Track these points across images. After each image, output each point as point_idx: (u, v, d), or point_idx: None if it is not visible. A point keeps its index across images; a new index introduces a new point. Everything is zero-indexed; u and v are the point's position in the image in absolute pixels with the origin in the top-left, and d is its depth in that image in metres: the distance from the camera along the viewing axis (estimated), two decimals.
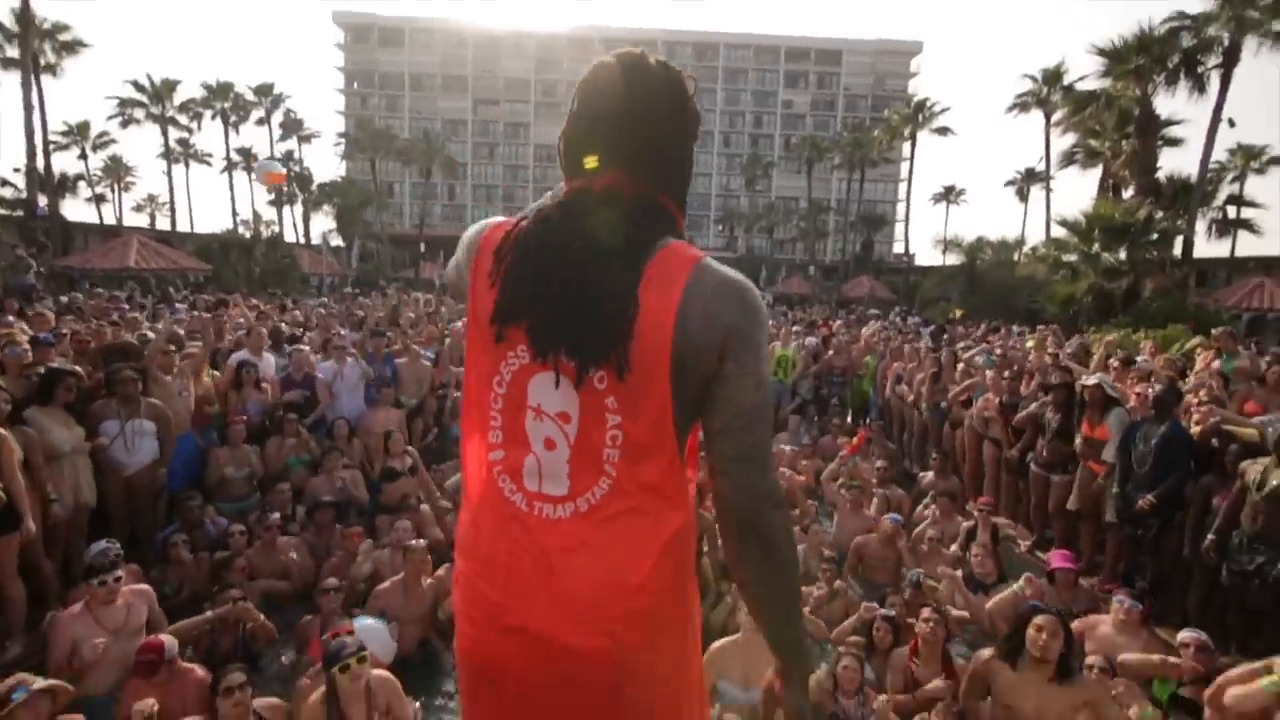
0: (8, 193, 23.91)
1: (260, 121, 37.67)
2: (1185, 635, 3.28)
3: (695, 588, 0.97)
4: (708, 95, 58.07)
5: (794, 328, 10.96)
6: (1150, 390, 4.59)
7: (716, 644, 3.09)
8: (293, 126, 38.71)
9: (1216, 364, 5.72)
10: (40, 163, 20.31)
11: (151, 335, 5.58)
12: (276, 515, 4.62)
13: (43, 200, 20.96)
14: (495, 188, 58.50)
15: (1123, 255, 13.97)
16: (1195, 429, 4.29)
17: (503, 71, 57.15)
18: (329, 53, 60.12)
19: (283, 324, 7.81)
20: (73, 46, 22.16)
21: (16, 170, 21.66)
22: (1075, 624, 3.73)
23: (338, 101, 57.31)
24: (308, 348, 6.54)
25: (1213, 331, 6.31)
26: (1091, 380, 5.02)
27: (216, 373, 5.87)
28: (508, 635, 0.86)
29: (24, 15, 18.03)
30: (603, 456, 0.85)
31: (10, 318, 6.89)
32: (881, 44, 57.83)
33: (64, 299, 11.93)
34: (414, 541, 3.98)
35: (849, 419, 8.70)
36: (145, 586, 3.66)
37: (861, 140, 36.44)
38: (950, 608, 3.96)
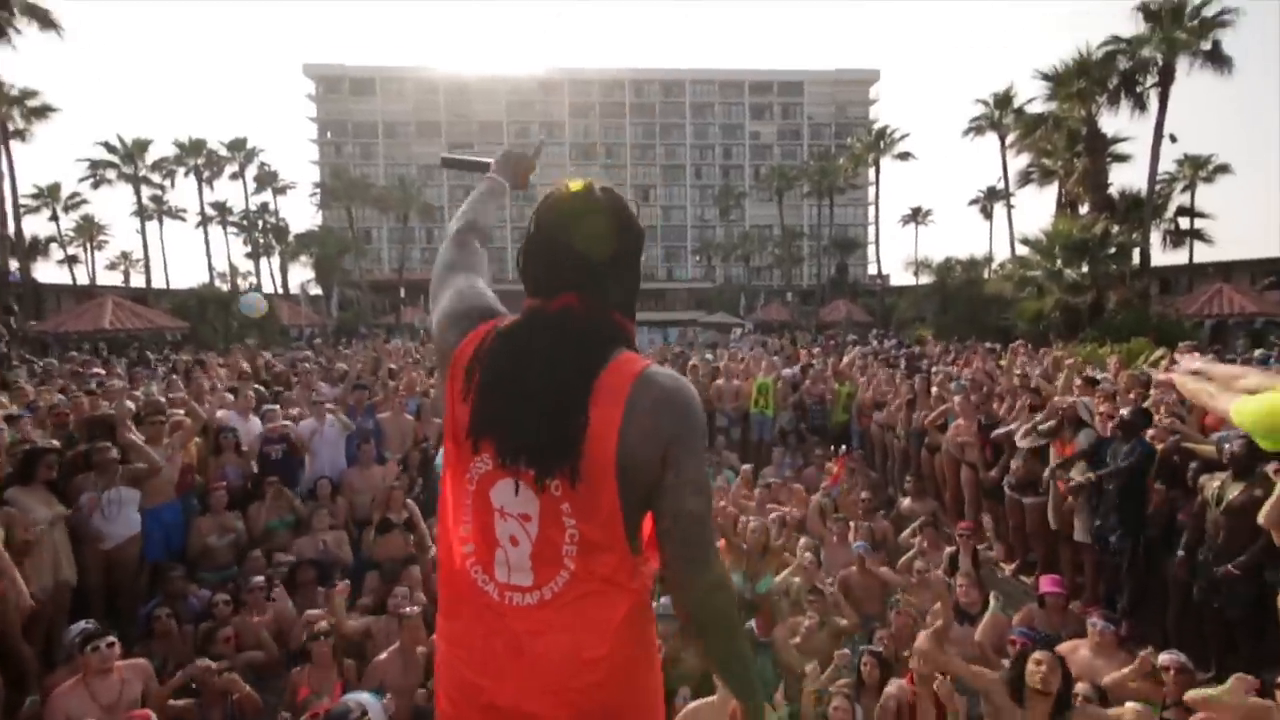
0: None
1: (234, 175, 37.79)
2: (1164, 658, 3.33)
3: (653, 655, 1.09)
4: (677, 130, 59.65)
5: (773, 358, 11.14)
6: (1117, 411, 4.76)
7: (692, 705, 3.12)
8: (267, 179, 38.88)
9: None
10: (11, 228, 20.16)
11: (132, 406, 5.55)
12: (260, 578, 4.58)
13: (14, 264, 20.75)
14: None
15: (1084, 270, 14.50)
16: (1158, 446, 4.47)
17: (475, 116, 58.17)
18: (301, 104, 60.69)
19: (259, 386, 7.76)
20: (42, 111, 22.22)
21: None
22: (1059, 647, 3.82)
23: (311, 152, 57.77)
24: (279, 409, 6.52)
25: (1178, 346, 6.55)
26: (1068, 400, 5.20)
27: (198, 440, 5.84)
28: (483, 713, 0.97)
29: None
30: (561, 552, 0.96)
31: None
32: (840, 74, 59.97)
33: (39, 366, 11.76)
34: (409, 609, 3.98)
35: (832, 448, 8.81)
36: (142, 661, 3.61)
37: (828, 168, 37.54)
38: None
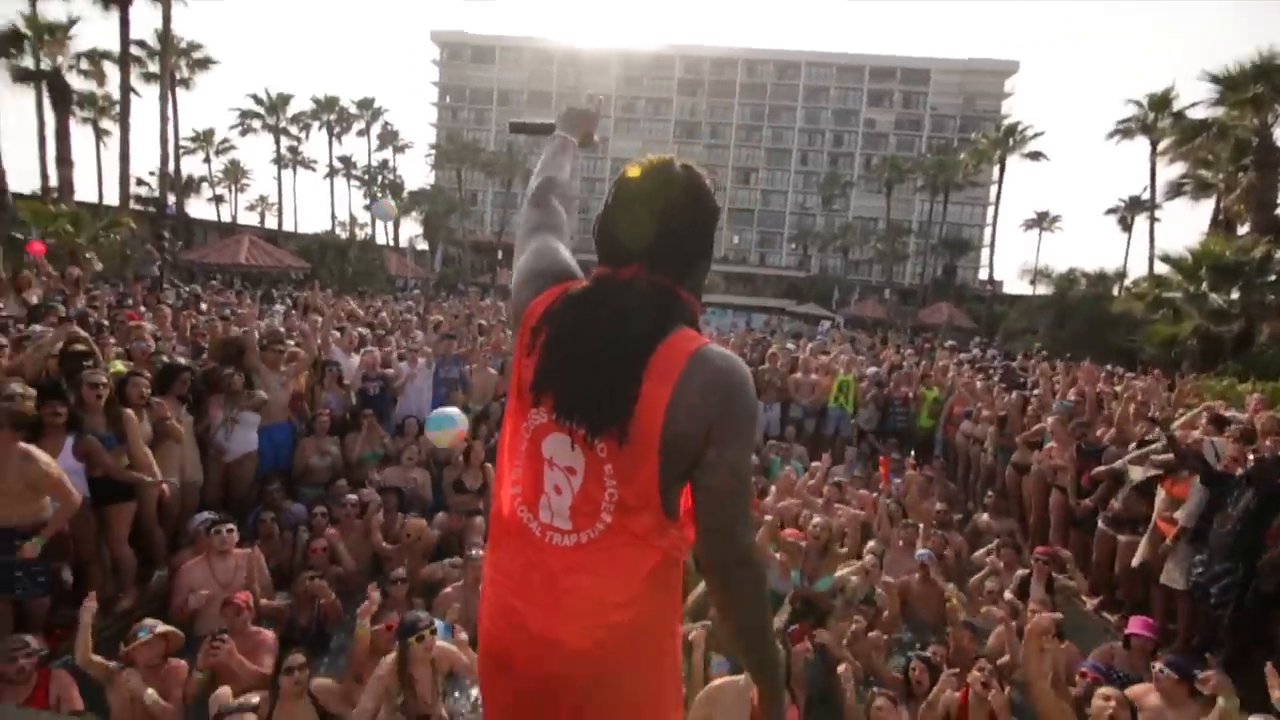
0: (143, 191, 26.76)
1: (361, 132, 40.49)
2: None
3: (675, 611, 1.13)
4: (787, 113, 57.66)
5: (859, 356, 10.75)
6: (1248, 453, 4.28)
7: (717, 683, 3.14)
8: (389, 138, 41.34)
9: None
10: (171, 167, 22.67)
11: (256, 334, 6.19)
12: (353, 497, 5.03)
13: (171, 199, 23.36)
14: (573, 199, 59.94)
15: (1234, 296, 12.87)
16: None
17: (586, 88, 58.78)
18: (425, 69, 64.07)
19: (364, 330, 8.40)
20: (205, 63, 24.72)
21: (151, 174, 24.30)
22: (1130, 690, 3.54)
23: (430, 114, 60.72)
24: (376, 351, 7.02)
25: None
26: (1194, 436, 4.73)
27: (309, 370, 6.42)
28: (516, 631, 1.06)
29: (166, 35, 20.26)
30: (600, 508, 1.02)
31: (143, 308, 7.80)
32: (973, 63, 55.64)
33: (185, 290, 13.29)
34: (474, 552, 4.28)
35: (912, 454, 8.45)
36: (254, 551, 4.15)
37: (946, 163, 35.17)
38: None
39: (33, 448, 3.40)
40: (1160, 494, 4.72)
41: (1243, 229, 14.97)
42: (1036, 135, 31.20)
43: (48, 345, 4.42)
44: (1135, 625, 4.09)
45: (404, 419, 6.30)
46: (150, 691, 2.80)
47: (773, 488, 6.26)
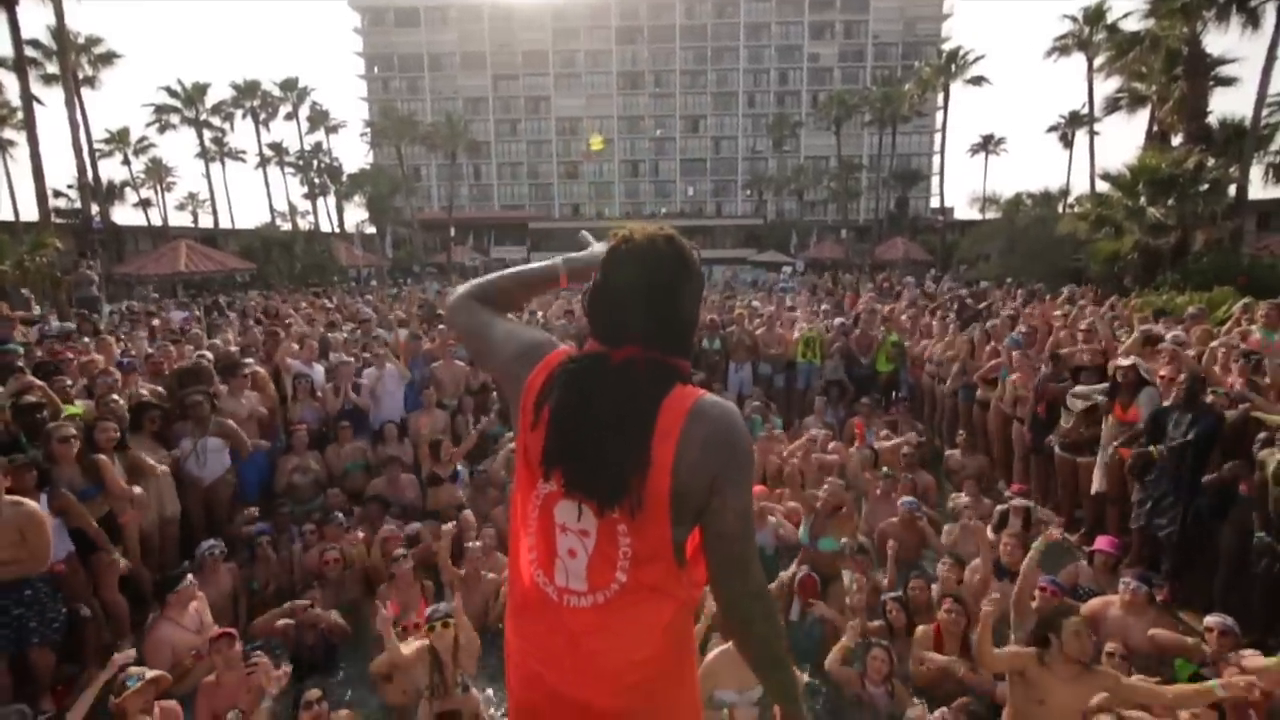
0: (62, 203, 25.13)
1: (288, 116, 38.36)
2: (1210, 620, 3.37)
3: (692, 653, 1.23)
4: (730, 54, 56.44)
5: (822, 306, 10.93)
6: (1180, 373, 4.57)
7: (709, 656, 3.31)
8: (319, 119, 39.28)
9: (1256, 337, 5.59)
10: (89, 174, 21.25)
11: (210, 356, 6.02)
12: (340, 515, 5.05)
13: (95, 209, 22.00)
14: (520, 164, 58.48)
15: (1171, 205, 13.34)
16: (1227, 414, 4.30)
17: (520, 45, 56.52)
18: (347, 39, 60.33)
19: (329, 333, 8.22)
20: (108, 58, 22.95)
21: (70, 186, 22.80)
22: (1088, 605, 3.88)
23: (360, 88, 57.74)
24: (353, 361, 6.91)
25: (1260, 306, 6.09)
26: (1126, 362, 5.01)
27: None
28: (546, 698, 1.13)
29: (61, 32, 18.66)
30: (615, 566, 1.08)
31: (86, 339, 7.47)
32: None
33: (124, 307, 12.72)
34: (473, 543, 4.38)
35: (879, 398, 8.73)
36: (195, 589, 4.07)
37: (892, 95, 35.06)
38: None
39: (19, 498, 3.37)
40: (1109, 420, 5.03)
41: (1176, 140, 15.45)
42: (978, 59, 31.29)
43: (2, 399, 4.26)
44: (1100, 543, 4.45)
45: (382, 425, 6.27)
46: None
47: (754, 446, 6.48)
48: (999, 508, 5.09)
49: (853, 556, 4.35)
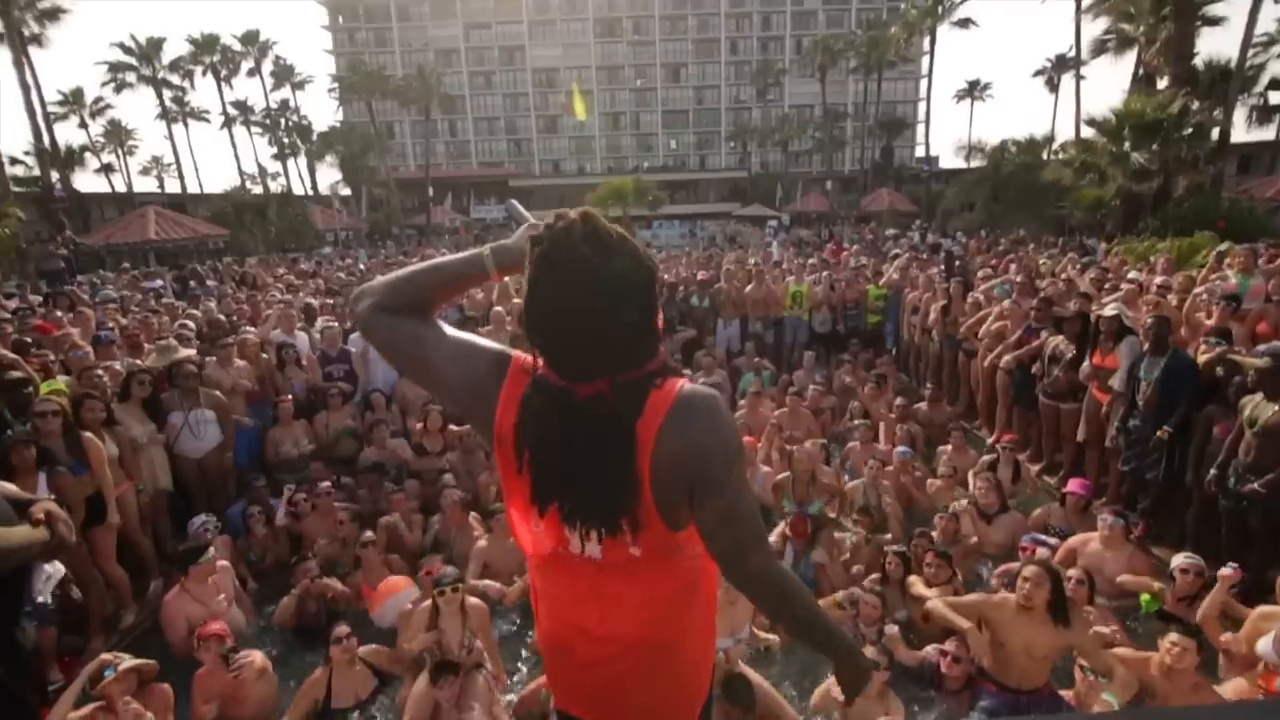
0: (19, 171, 24.06)
1: (251, 72, 36.70)
2: (1182, 561, 3.53)
3: (709, 603, 1.27)
4: None
5: (810, 260, 10.90)
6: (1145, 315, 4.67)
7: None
8: (284, 74, 37.66)
9: (1233, 281, 5.69)
10: (45, 140, 20.30)
11: (192, 326, 5.90)
12: (326, 484, 5.06)
13: (55, 176, 21.10)
14: (496, 119, 56.69)
15: (1154, 150, 13.31)
16: (1201, 358, 4.41)
17: None
18: None
19: (311, 299, 8.07)
20: (54, 14, 21.54)
21: (27, 153, 21.78)
22: (1067, 542, 4.06)
23: (325, 40, 55.11)
24: (337, 324, 6.82)
25: (1234, 249, 6.18)
26: (1108, 312, 5.09)
27: (265, 355, 6.22)
28: (576, 632, 1.20)
29: None
30: (626, 555, 1.09)
31: (59, 313, 7.28)
32: None
33: (96, 280, 12.35)
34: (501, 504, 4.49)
35: (874, 353, 8.84)
36: (224, 563, 4.11)
37: (878, 39, 34.24)
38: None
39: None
40: (1085, 366, 5.14)
41: (1162, 83, 15.29)
42: (964, 0, 30.58)
43: None
44: (1072, 485, 4.61)
45: (370, 393, 6.23)
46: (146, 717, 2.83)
47: (742, 402, 6.59)
48: (985, 458, 5.24)
49: (861, 516, 4.47)
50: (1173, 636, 2.86)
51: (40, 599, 3.35)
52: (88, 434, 3.99)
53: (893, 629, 3.46)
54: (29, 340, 5.58)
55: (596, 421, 1.02)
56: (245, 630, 3.96)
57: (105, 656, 3.06)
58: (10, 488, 1.70)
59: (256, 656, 3.35)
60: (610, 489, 1.03)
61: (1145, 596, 3.66)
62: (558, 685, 1.33)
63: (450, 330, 1.18)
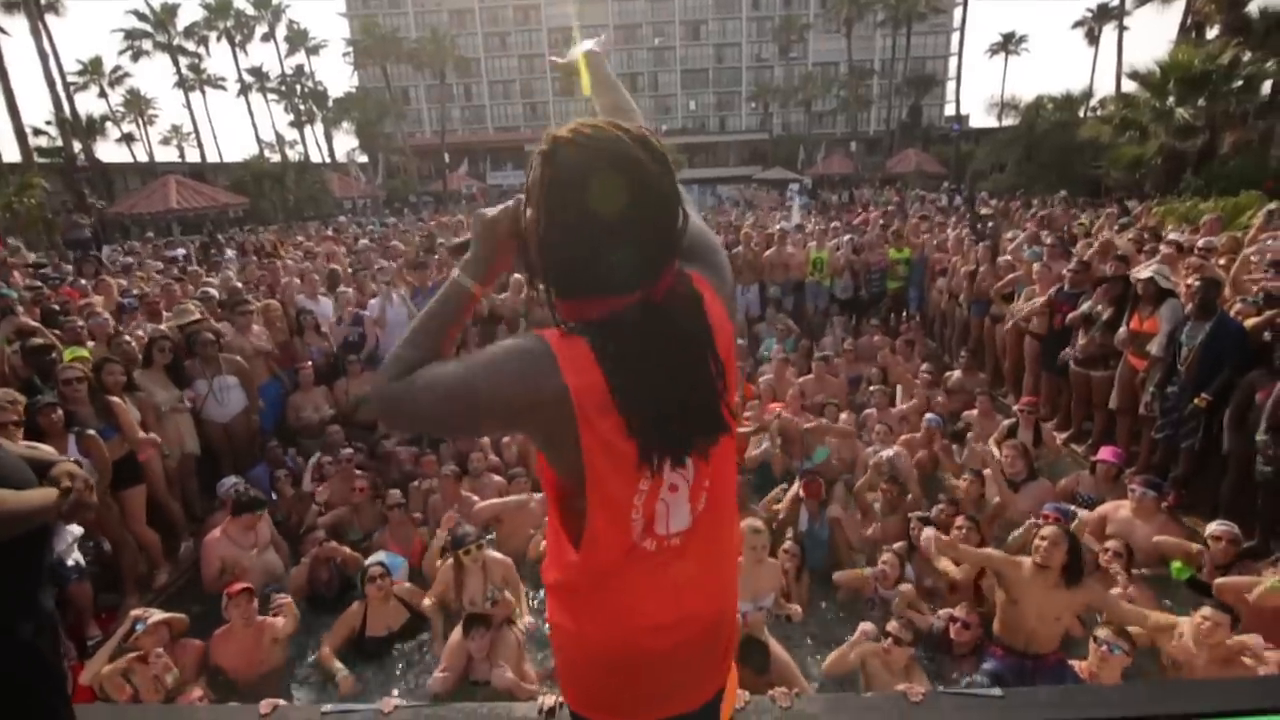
0: (43, 141, 24.31)
1: (265, 37, 36.39)
2: (1216, 528, 3.43)
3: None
4: None
5: (833, 224, 10.63)
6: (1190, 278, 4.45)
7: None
8: (298, 39, 37.30)
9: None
10: (66, 109, 20.40)
11: (214, 293, 5.94)
12: (349, 450, 5.13)
13: (78, 146, 21.28)
14: (512, 83, 55.67)
15: (1200, 104, 12.57)
16: (1248, 322, 4.20)
17: None
18: None
19: (335, 267, 8.06)
20: None
21: (48, 122, 21.93)
22: (1098, 510, 3.97)
23: (337, 2, 54.26)
24: (352, 292, 6.83)
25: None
26: (1145, 273, 4.86)
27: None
28: (693, 618, 1.14)
29: None
30: (703, 485, 1.04)
31: (84, 280, 7.39)
32: None
33: (124, 248, 12.52)
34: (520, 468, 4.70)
35: (893, 318, 8.64)
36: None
37: None
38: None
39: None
40: (1122, 331, 4.94)
41: (1212, 33, 14.41)
42: None
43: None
44: (1103, 453, 4.48)
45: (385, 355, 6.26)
46: (174, 670, 2.99)
47: (763, 368, 6.49)
48: (1006, 422, 5.11)
49: (884, 484, 4.42)
50: (1205, 610, 2.78)
51: (71, 561, 3.48)
52: (113, 398, 4.06)
53: (907, 587, 3.44)
54: (57, 308, 5.67)
55: (686, 316, 1.00)
56: (281, 574, 4.09)
57: (135, 612, 3.17)
58: (25, 449, 1.69)
59: (287, 609, 3.42)
60: (717, 376, 1.01)
61: (1176, 564, 3.57)
62: (622, 701, 1.11)
63: (475, 359, 0.98)
